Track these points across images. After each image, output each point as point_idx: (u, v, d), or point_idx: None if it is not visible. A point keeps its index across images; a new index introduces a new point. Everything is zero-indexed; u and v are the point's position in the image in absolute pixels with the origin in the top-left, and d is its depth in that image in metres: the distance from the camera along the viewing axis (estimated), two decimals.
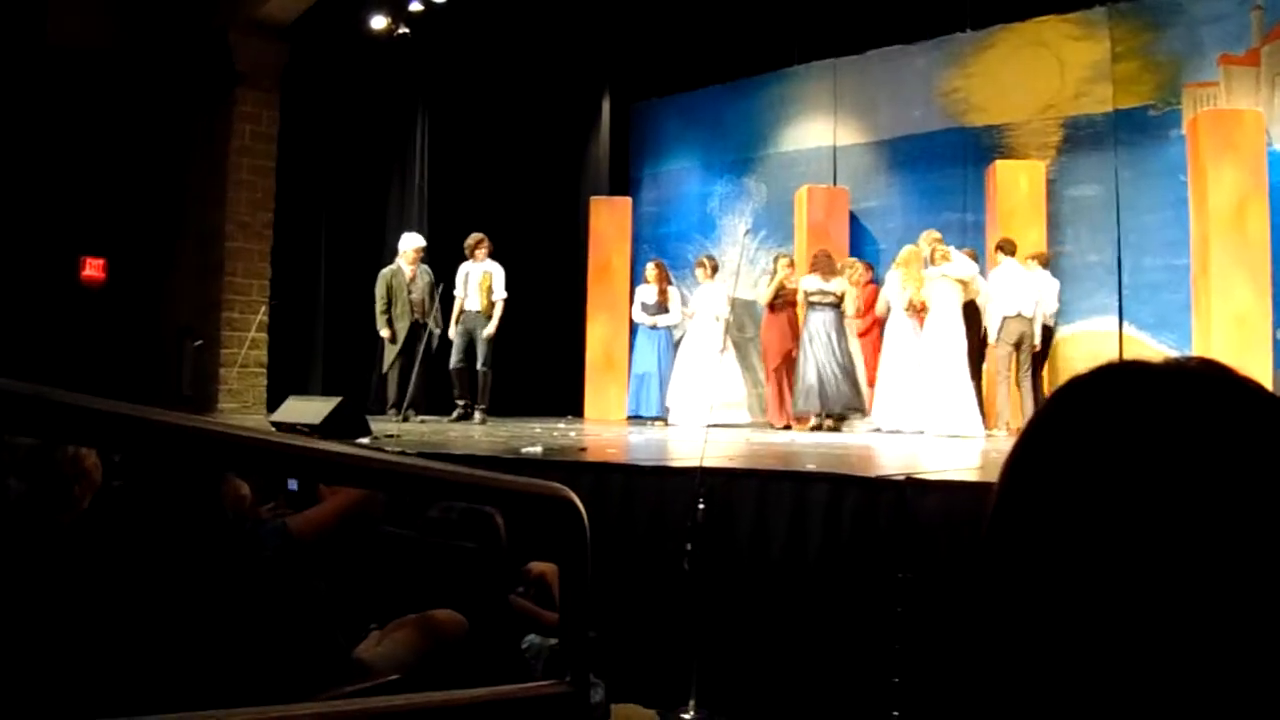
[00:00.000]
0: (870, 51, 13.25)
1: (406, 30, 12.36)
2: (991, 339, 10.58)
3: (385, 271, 11.21)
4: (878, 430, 10.38)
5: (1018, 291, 10.48)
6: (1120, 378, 0.77)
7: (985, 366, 10.78)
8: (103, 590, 2.40)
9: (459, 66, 13.62)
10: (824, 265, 11.20)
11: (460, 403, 11.16)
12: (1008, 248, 10.63)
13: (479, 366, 11.11)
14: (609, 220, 14.18)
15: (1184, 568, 0.68)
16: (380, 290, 11.08)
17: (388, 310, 11.04)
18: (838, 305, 11.10)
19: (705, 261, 11.98)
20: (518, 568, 4.00)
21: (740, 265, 11.66)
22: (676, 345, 12.25)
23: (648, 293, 12.37)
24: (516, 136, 14.16)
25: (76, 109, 11.03)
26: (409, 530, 3.81)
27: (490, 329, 11.10)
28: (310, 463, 1.47)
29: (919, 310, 10.38)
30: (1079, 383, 0.79)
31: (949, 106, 12.70)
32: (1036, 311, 10.53)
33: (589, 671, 1.75)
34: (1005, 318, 10.43)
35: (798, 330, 11.39)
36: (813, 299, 11.12)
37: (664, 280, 12.42)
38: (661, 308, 12.31)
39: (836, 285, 11.13)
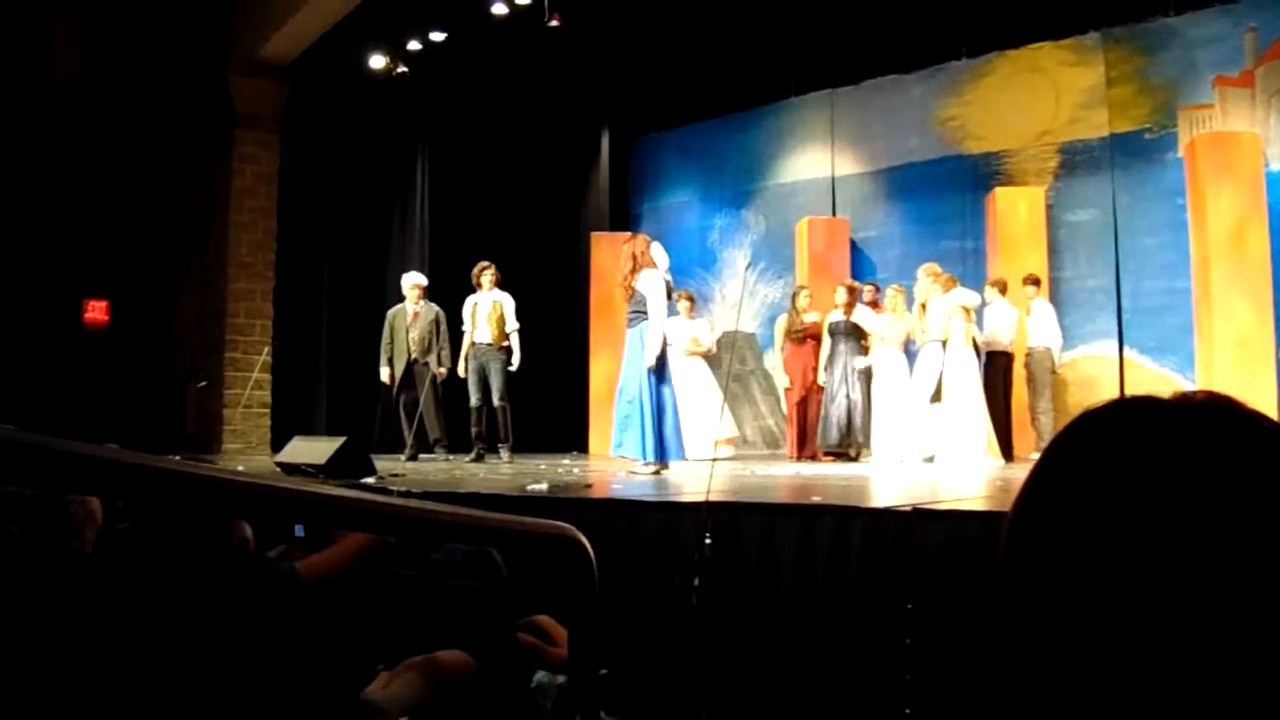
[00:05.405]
0: (866, 82, 13.35)
1: (405, 69, 12.40)
2: (1058, 365, 10.99)
3: (391, 311, 11.01)
4: (893, 461, 10.28)
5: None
6: (1131, 412, 0.78)
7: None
8: (108, 634, 2.39)
9: (458, 105, 13.70)
10: (847, 298, 11.21)
11: (478, 443, 10.66)
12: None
13: (496, 402, 10.62)
14: (610, 255, 14.14)
15: (1193, 599, 0.68)
16: (385, 331, 10.87)
17: (390, 350, 10.81)
18: (859, 338, 11.12)
19: (687, 296, 11.86)
20: (523, 604, 3.97)
21: (742, 298, 11.62)
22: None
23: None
24: (517, 173, 14.23)
25: (78, 150, 11.10)
26: (413, 571, 3.79)
27: (514, 363, 10.75)
28: (312, 507, 1.46)
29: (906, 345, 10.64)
30: (1092, 416, 0.80)
31: (946, 134, 12.76)
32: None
33: (600, 710, 1.74)
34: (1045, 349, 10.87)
35: (817, 363, 11.41)
36: (835, 332, 11.19)
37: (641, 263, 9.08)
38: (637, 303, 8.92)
39: (859, 318, 11.13)
